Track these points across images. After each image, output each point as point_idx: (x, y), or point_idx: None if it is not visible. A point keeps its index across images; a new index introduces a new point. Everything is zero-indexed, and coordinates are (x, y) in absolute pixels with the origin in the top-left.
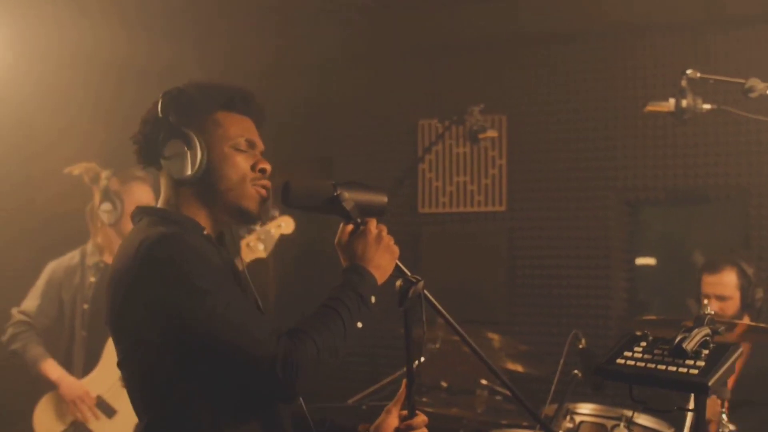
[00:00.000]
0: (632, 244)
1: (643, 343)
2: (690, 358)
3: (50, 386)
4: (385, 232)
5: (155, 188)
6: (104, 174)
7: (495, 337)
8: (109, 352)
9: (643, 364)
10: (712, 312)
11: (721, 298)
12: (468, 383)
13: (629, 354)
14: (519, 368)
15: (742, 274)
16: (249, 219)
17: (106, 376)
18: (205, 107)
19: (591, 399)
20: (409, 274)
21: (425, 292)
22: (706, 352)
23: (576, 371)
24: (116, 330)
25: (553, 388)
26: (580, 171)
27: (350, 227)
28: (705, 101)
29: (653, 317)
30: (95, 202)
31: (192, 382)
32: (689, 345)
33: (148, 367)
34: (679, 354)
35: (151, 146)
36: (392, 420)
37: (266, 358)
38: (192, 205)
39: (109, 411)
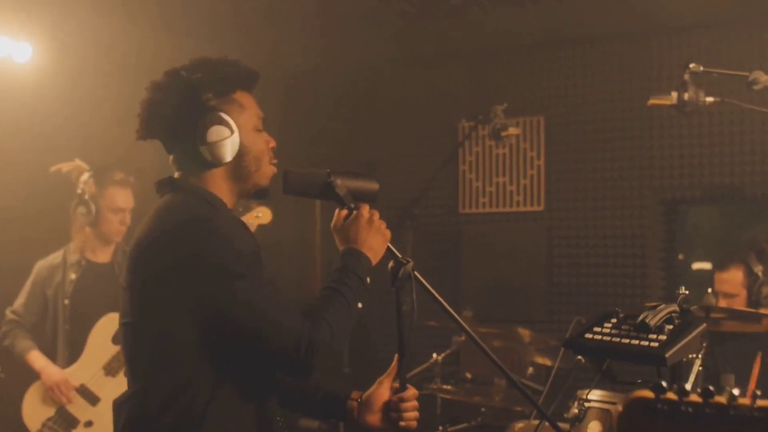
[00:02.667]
0: (669, 243)
1: (614, 320)
2: (653, 333)
3: (37, 376)
4: (376, 217)
5: (136, 192)
6: (83, 177)
7: (525, 333)
8: (92, 344)
9: (609, 339)
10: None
11: (728, 295)
12: (490, 375)
13: (598, 329)
14: (548, 362)
15: (749, 272)
16: (265, 196)
17: (89, 366)
18: (228, 88)
19: (598, 385)
20: (399, 255)
21: (415, 272)
22: (669, 327)
23: (580, 357)
24: (136, 295)
25: (552, 373)
26: (617, 170)
27: (344, 212)
28: (708, 94)
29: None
30: (75, 202)
31: (202, 357)
32: (652, 321)
33: (163, 337)
34: (642, 329)
35: (181, 128)
36: (383, 391)
37: (291, 344)
38: (218, 184)
39: (92, 398)
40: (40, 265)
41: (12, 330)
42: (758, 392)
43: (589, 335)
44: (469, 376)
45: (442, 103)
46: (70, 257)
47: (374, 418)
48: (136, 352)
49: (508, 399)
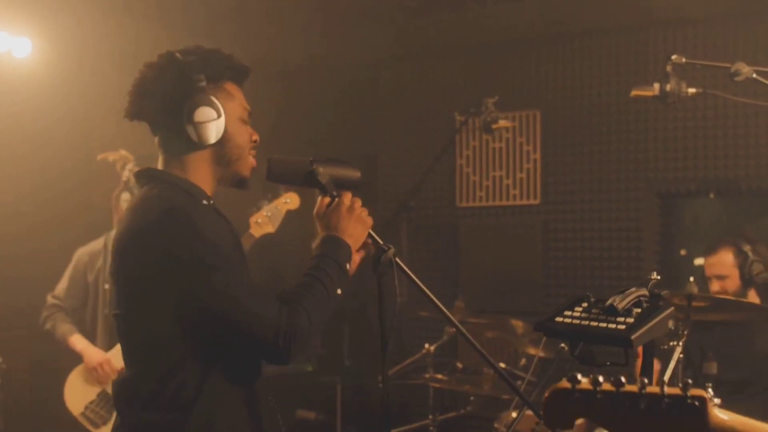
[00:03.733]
0: (664, 236)
1: (585, 304)
2: (621, 316)
3: (79, 360)
4: (358, 204)
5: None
6: (129, 165)
7: (518, 324)
8: None
9: (578, 322)
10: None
11: (720, 278)
12: (480, 364)
13: (569, 313)
14: (540, 353)
15: (738, 252)
16: (245, 186)
17: None
18: (219, 76)
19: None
20: (381, 242)
21: (397, 259)
22: (638, 310)
23: (563, 345)
24: (122, 288)
25: (534, 362)
26: (612, 164)
27: (327, 199)
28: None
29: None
30: (119, 190)
31: (186, 345)
32: (620, 304)
33: (150, 328)
34: (610, 312)
35: (170, 106)
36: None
37: (270, 334)
38: (201, 169)
39: None
40: (81, 252)
41: (53, 314)
42: (665, 380)
43: (559, 319)
44: (460, 366)
45: (440, 97)
46: (111, 243)
47: None
48: (127, 341)
49: (497, 388)
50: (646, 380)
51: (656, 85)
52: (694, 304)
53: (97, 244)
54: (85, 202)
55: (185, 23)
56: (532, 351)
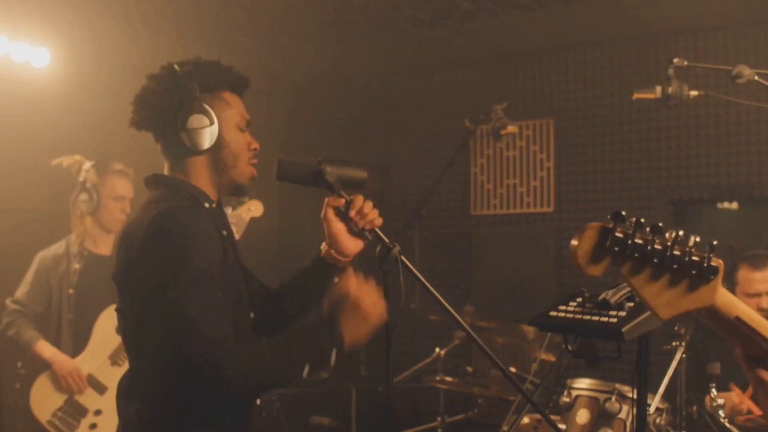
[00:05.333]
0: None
1: (579, 299)
2: (613, 309)
3: (44, 366)
4: (365, 303)
5: (135, 181)
6: (84, 166)
7: (529, 329)
8: (97, 334)
9: (572, 316)
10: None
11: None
12: (490, 367)
13: (563, 308)
14: (551, 358)
15: None
16: (241, 193)
17: (96, 356)
18: (216, 85)
19: (587, 374)
20: (386, 240)
21: (402, 257)
22: (630, 304)
23: (569, 345)
24: (119, 283)
25: (538, 356)
26: (625, 172)
27: (335, 201)
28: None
29: None
30: (76, 193)
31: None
32: (613, 298)
33: (140, 324)
34: (603, 306)
35: (167, 114)
36: (330, 215)
37: (203, 357)
38: (201, 174)
39: (100, 388)
40: (43, 255)
41: (16, 320)
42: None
43: (553, 313)
44: (470, 369)
45: (453, 107)
46: (72, 248)
47: (344, 239)
48: (126, 336)
49: (505, 390)
50: (680, 233)
51: (658, 88)
52: None
53: (58, 248)
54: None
55: (200, 35)
56: (543, 357)
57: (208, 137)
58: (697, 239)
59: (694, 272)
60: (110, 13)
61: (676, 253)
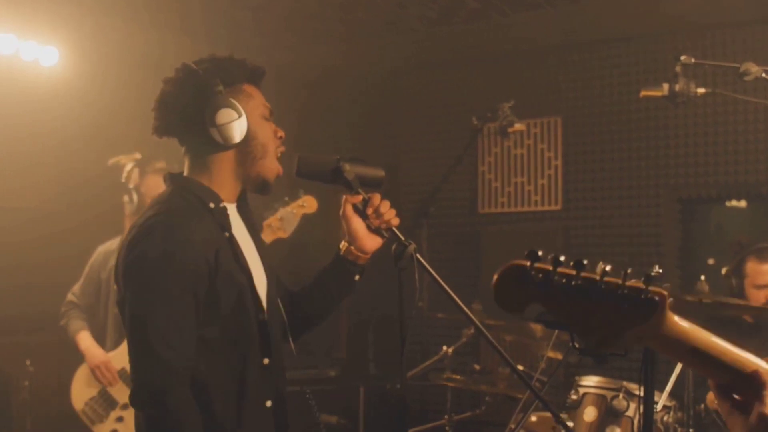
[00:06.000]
0: (685, 242)
1: None
2: None
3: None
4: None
5: None
6: (126, 167)
7: (537, 327)
8: None
9: None
10: None
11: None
12: (497, 365)
13: None
14: (558, 356)
15: None
16: (266, 190)
17: None
18: (236, 78)
19: (595, 372)
20: (402, 238)
21: (417, 255)
22: None
23: (576, 343)
24: (116, 281)
25: (545, 354)
26: (633, 170)
27: (353, 198)
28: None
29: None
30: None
31: None
32: None
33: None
34: None
35: (193, 115)
36: (349, 214)
37: (147, 375)
38: (225, 171)
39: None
40: (99, 250)
41: (69, 311)
42: (629, 270)
43: None
44: (477, 367)
45: (461, 106)
46: None
47: (363, 236)
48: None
49: (512, 387)
50: (607, 268)
51: (665, 86)
52: (706, 301)
53: (113, 243)
54: (110, 209)
55: (208, 34)
56: (551, 354)
57: (238, 130)
58: (629, 270)
59: (626, 306)
60: (117, 12)
61: (604, 287)
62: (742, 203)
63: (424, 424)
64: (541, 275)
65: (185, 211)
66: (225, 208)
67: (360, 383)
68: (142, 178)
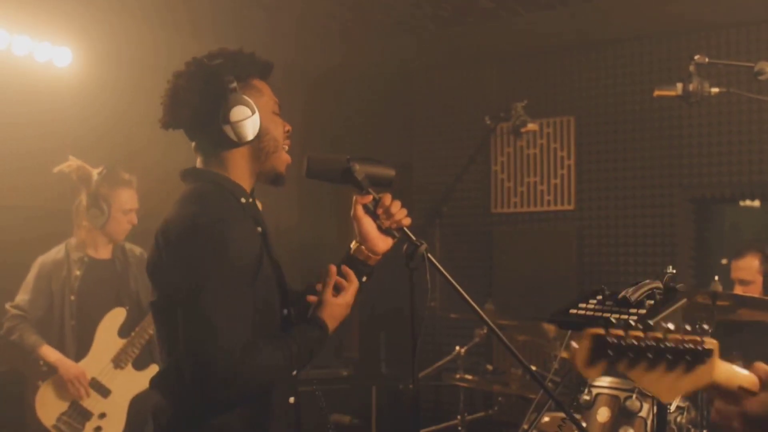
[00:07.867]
0: (699, 242)
1: (599, 296)
2: (633, 307)
3: (48, 372)
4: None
5: (139, 191)
6: (95, 177)
7: (551, 328)
8: (99, 339)
9: (591, 313)
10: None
11: (743, 282)
12: (510, 365)
13: (583, 305)
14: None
15: (764, 259)
16: (280, 182)
17: (99, 360)
18: (246, 74)
19: (608, 372)
20: (414, 238)
21: (429, 255)
22: (650, 302)
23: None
24: (152, 278)
25: (558, 354)
26: (646, 169)
27: (364, 198)
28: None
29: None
30: (82, 202)
31: None
32: (633, 296)
33: (170, 318)
34: (623, 304)
35: (204, 110)
36: (361, 216)
37: (208, 361)
38: (240, 167)
39: (104, 391)
40: (43, 260)
41: (18, 324)
42: (687, 327)
43: (573, 311)
44: (490, 368)
45: (474, 105)
46: (73, 253)
47: (374, 236)
48: (158, 331)
49: (525, 387)
50: (671, 326)
51: (679, 85)
52: (719, 303)
53: (58, 253)
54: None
55: (216, 34)
56: (564, 354)
57: (251, 128)
58: (687, 327)
59: (688, 358)
60: (129, 13)
61: (669, 344)
62: (756, 203)
63: (436, 424)
64: (617, 339)
65: (227, 207)
66: (255, 203)
67: (372, 383)
68: (113, 190)
